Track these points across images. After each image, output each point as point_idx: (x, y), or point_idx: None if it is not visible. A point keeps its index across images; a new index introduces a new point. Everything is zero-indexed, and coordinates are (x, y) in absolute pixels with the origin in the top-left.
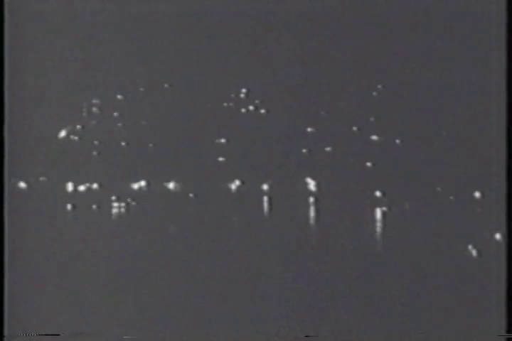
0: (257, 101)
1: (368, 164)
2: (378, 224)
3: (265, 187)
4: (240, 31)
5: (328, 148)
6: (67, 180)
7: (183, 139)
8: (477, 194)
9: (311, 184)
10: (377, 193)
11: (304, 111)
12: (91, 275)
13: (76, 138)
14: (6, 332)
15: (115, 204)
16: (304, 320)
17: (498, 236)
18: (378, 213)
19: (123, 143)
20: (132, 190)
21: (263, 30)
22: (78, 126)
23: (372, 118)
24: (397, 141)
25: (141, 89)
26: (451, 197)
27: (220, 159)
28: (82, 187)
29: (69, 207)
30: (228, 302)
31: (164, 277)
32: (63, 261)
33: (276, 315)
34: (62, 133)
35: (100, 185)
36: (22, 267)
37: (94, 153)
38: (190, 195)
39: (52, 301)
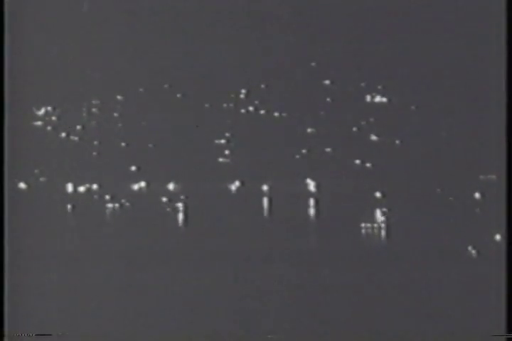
0: (256, 102)
1: (368, 164)
2: (378, 225)
3: (265, 188)
4: (240, 31)
5: (328, 149)
6: (67, 181)
7: (183, 140)
8: (477, 195)
9: (311, 185)
10: (377, 194)
11: (303, 112)
12: (91, 275)
13: (76, 138)
14: (6, 332)
15: (115, 205)
16: (304, 319)
17: (498, 237)
18: (378, 214)
19: (123, 144)
20: (132, 190)
21: (263, 29)
22: (78, 127)
23: (372, 119)
24: (397, 141)
25: (141, 89)
26: (450, 198)
27: (220, 160)
28: (82, 188)
29: (69, 207)
30: (228, 303)
31: (164, 277)
32: (63, 261)
33: (277, 315)
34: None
35: (100, 186)
36: (22, 267)
37: (94, 153)
38: (190, 196)
39: (52, 301)
